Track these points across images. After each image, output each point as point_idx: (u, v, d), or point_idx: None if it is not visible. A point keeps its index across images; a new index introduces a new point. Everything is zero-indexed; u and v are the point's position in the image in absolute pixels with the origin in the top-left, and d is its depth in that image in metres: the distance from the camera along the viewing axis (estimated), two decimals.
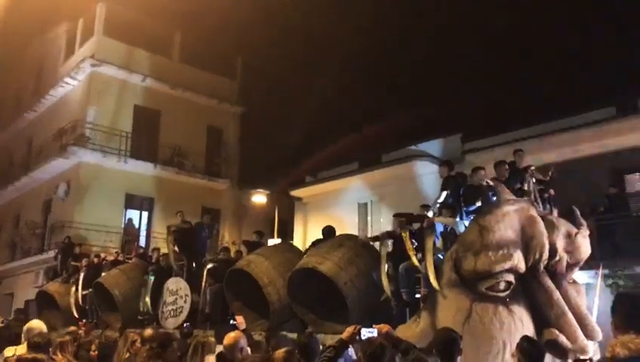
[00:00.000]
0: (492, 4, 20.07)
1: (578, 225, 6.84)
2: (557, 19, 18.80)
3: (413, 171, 15.79)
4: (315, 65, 23.30)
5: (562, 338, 5.96)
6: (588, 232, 6.88)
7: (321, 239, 9.83)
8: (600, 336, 6.11)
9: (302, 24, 23.68)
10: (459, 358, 3.79)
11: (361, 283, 8.29)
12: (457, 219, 7.95)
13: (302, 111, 21.54)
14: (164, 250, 13.15)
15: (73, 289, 13.54)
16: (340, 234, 9.93)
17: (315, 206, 18.84)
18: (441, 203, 8.42)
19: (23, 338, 5.62)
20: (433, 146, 16.20)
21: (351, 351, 5.05)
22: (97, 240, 17.83)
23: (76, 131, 19.29)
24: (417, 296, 8.02)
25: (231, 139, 22.99)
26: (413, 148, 16.44)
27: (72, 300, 13.41)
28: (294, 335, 7.39)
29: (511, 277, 6.17)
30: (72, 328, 7.76)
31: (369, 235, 11.98)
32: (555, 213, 8.07)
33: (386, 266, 8.02)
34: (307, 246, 10.58)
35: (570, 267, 6.64)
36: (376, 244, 8.66)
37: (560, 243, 6.50)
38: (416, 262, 7.66)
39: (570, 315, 6.09)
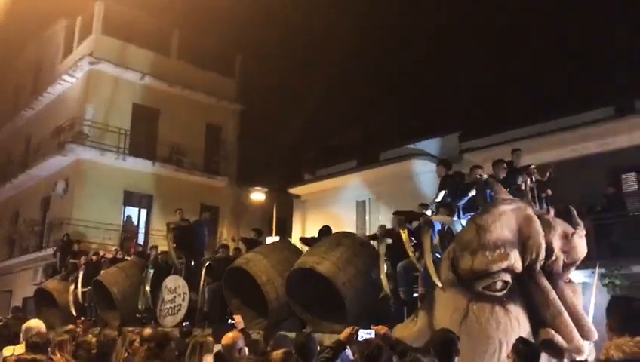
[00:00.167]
0: (492, 4, 20.05)
1: (575, 225, 6.85)
2: (557, 19, 18.76)
3: (411, 170, 15.82)
4: (314, 63, 23.25)
5: (558, 338, 5.98)
6: (584, 232, 6.90)
7: (316, 238, 9.88)
8: (596, 336, 6.13)
9: (301, 22, 23.63)
10: (456, 359, 3.82)
11: (360, 283, 8.31)
12: (455, 218, 7.98)
13: (301, 109, 21.52)
14: (162, 248, 13.17)
15: (72, 286, 13.56)
16: (338, 232, 9.95)
17: (314, 204, 18.86)
18: (438, 202, 8.45)
19: (21, 338, 5.61)
20: (431, 145, 16.22)
21: (348, 352, 5.08)
22: (96, 238, 17.82)
23: (74, 129, 19.28)
24: (415, 295, 8.05)
25: (230, 136, 22.98)
26: (412, 147, 16.46)
27: (71, 298, 13.42)
28: (293, 335, 7.41)
29: (508, 277, 6.19)
30: (70, 326, 7.78)
31: (367, 233, 12.01)
32: (552, 212, 8.11)
33: (385, 266, 8.05)
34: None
35: (567, 267, 6.66)
36: (375, 243, 8.69)
37: (556, 243, 6.51)
38: (414, 260, 7.69)
39: (566, 315, 6.11)
